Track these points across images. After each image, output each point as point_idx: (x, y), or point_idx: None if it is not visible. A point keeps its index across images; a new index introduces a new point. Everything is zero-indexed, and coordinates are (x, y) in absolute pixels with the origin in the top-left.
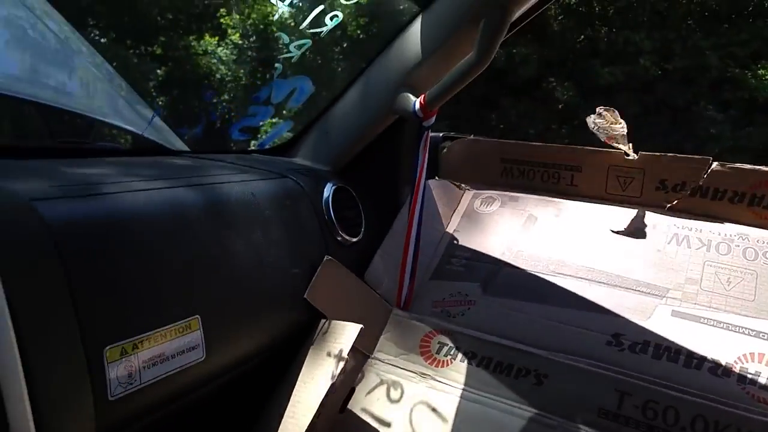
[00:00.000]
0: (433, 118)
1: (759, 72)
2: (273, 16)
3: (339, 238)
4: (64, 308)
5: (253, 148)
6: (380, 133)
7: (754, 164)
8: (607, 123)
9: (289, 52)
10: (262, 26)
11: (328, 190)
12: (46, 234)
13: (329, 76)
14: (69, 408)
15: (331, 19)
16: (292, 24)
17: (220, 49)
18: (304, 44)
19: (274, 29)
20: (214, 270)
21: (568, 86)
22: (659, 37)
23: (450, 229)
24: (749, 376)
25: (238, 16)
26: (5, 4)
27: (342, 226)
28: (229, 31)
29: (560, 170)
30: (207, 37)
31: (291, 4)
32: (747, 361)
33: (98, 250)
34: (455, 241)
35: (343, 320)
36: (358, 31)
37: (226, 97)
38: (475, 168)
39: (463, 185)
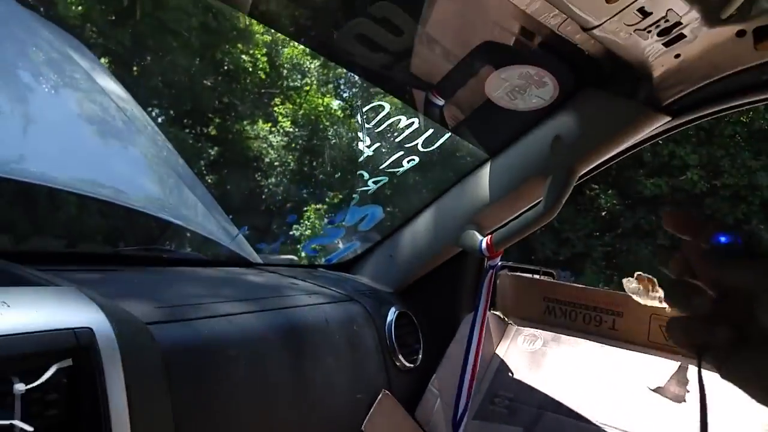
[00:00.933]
0: (499, 259)
1: None
2: (323, 107)
3: (398, 364)
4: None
5: (319, 262)
6: (443, 264)
7: None
8: (644, 290)
9: (367, 185)
10: (313, 117)
11: (391, 315)
12: (159, 357)
13: (398, 203)
14: None
15: (408, 162)
16: (342, 116)
17: (271, 135)
18: (380, 180)
19: (324, 120)
20: (292, 395)
21: (611, 195)
22: (706, 152)
23: (493, 366)
24: None
25: (291, 106)
26: (91, 100)
27: (402, 352)
28: (281, 118)
29: (602, 314)
30: (260, 123)
31: (376, 149)
32: None
33: (195, 375)
34: (498, 380)
35: None
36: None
37: (273, 180)
38: (520, 302)
39: (506, 319)
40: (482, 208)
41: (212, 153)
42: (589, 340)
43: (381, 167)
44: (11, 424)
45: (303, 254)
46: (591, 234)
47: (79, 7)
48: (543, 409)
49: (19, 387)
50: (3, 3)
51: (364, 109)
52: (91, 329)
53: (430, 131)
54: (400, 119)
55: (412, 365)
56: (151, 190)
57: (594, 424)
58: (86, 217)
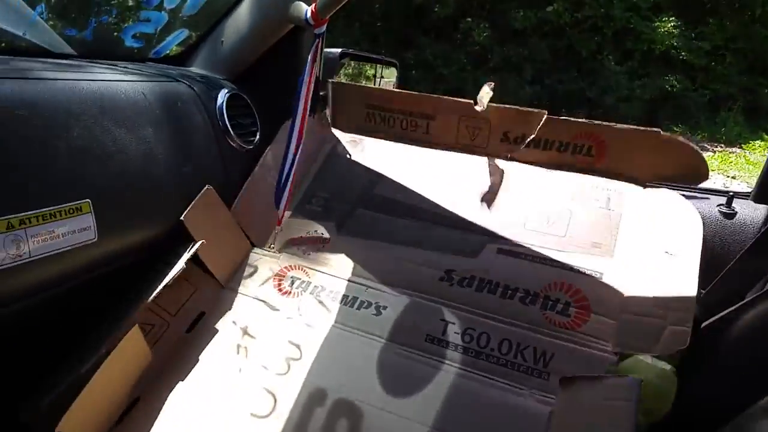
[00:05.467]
0: (324, 27)
1: (657, 24)
2: None
3: (234, 145)
4: None
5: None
6: (278, 43)
7: (643, 113)
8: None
9: None
10: None
11: (221, 96)
12: None
13: None
14: None
15: None
16: None
17: None
18: None
19: None
20: (105, 160)
21: (484, 27)
22: None
23: (314, 169)
24: (550, 302)
25: None
26: None
27: (237, 133)
28: None
29: (417, 118)
30: None
31: None
32: (551, 290)
33: None
34: (317, 181)
35: (209, 246)
36: None
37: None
38: (343, 111)
39: (332, 126)
40: None
41: None
42: (407, 144)
43: None
44: None
45: (126, 46)
46: (464, 68)
47: None
48: (355, 205)
49: None
50: None
51: None
52: None
53: None
54: None
55: (249, 147)
56: None
57: (398, 217)
58: None
